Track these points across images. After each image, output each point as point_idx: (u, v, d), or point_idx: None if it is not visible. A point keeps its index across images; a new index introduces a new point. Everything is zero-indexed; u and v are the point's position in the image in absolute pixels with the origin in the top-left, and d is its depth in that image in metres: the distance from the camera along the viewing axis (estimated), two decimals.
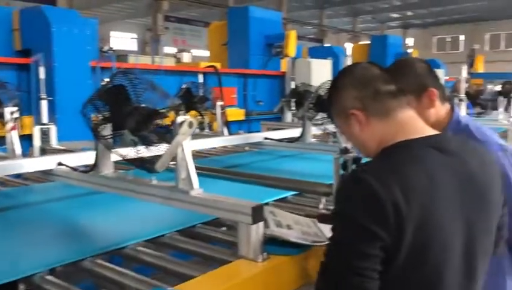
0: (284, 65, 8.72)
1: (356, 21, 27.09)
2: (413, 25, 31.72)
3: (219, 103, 3.09)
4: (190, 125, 1.39)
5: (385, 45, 12.36)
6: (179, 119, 1.40)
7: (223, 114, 3.12)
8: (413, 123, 1.18)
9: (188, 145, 1.41)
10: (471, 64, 12.47)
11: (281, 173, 2.69)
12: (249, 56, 8.56)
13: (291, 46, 8.60)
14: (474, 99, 4.93)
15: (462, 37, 32.42)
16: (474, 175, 1.13)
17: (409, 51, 15.08)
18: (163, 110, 1.51)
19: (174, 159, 1.46)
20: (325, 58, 8.96)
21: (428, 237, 1.03)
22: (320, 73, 8.34)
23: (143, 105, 1.54)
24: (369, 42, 13.28)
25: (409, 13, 27.46)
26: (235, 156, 3.20)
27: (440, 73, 10.64)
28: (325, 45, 18.96)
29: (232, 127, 6.87)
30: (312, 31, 26.35)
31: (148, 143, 1.49)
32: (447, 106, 1.67)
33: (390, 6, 25.08)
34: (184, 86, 3.16)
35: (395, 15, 27.94)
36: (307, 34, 25.56)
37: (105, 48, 6.93)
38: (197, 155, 3.27)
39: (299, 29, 24.63)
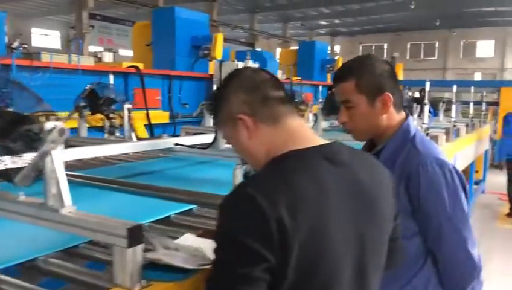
0: (212, 67, 8.59)
1: (287, 27, 27.60)
2: (341, 33, 32.94)
3: (126, 106, 2.87)
4: (61, 132, 1.20)
5: (312, 51, 12.65)
6: (48, 125, 1.20)
7: (131, 118, 2.90)
8: (303, 132, 1.11)
9: (59, 156, 1.22)
10: None
11: (192, 182, 2.53)
12: (175, 57, 8.35)
13: (218, 48, 8.50)
14: None
15: (386, 46, 34.12)
16: (365, 186, 1.08)
17: (336, 57, 15.52)
18: (33, 115, 1.31)
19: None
20: (253, 62, 8.97)
21: (318, 253, 0.96)
22: None
23: (10, 109, 1.33)
24: (297, 48, 13.51)
25: (337, 21, 28.45)
26: (146, 163, 2.99)
27: None
28: (253, 49, 19.07)
29: (156, 130, 6.62)
30: (244, 35, 26.45)
31: (12, 152, 1.28)
32: (403, 114, 1.59)
33: (319, 13, 25.83)
34: (88, 87, 2.91)
35: (323, 22, 28.82)
36: (238, 38, 25.63)
37: (15, 44, 6.38)
38: (106, 162, 3.02)
39: (230, 33, 24.68)
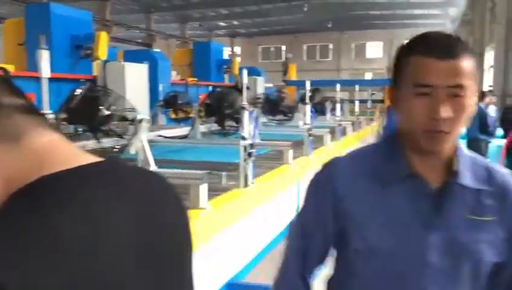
0: (97, 68, 8.00)
1: (185, 27, 27.15)
2: (240, 34, 33.23)
3: None
4: None
5: (208, 51, 12.38)
6: None
7: None
8: (60, 149, 0.76)
9: None
10: (285, 73, 13.24)
11: None
12: (52, 58, 7.59)
13: (102, 48, 7.91)
14: (276, 106, 4.99)
15: (284, 47, 35.07)
16: (158, 204, 0.81)
17: (238, 59, 15.45)
18: None
19: None
20: (141, 62, 8.50)
21: None
22: (136, 78, 7.84)
23: None
24: (191, 48, 13.19)
25: (235, 22, 28.62)
26: None
27: (260, 81, 11.01)
28: (147, 49, 18.39)
29: None
30: (141, 35, 25.53)
31: None
32: None
33: (217, 14, 25.75)
34: None
35: (222, 23, 28.82)
36: (135, 38, 24.67)
37: None
38: None
39: (126, 33, 23.61)
